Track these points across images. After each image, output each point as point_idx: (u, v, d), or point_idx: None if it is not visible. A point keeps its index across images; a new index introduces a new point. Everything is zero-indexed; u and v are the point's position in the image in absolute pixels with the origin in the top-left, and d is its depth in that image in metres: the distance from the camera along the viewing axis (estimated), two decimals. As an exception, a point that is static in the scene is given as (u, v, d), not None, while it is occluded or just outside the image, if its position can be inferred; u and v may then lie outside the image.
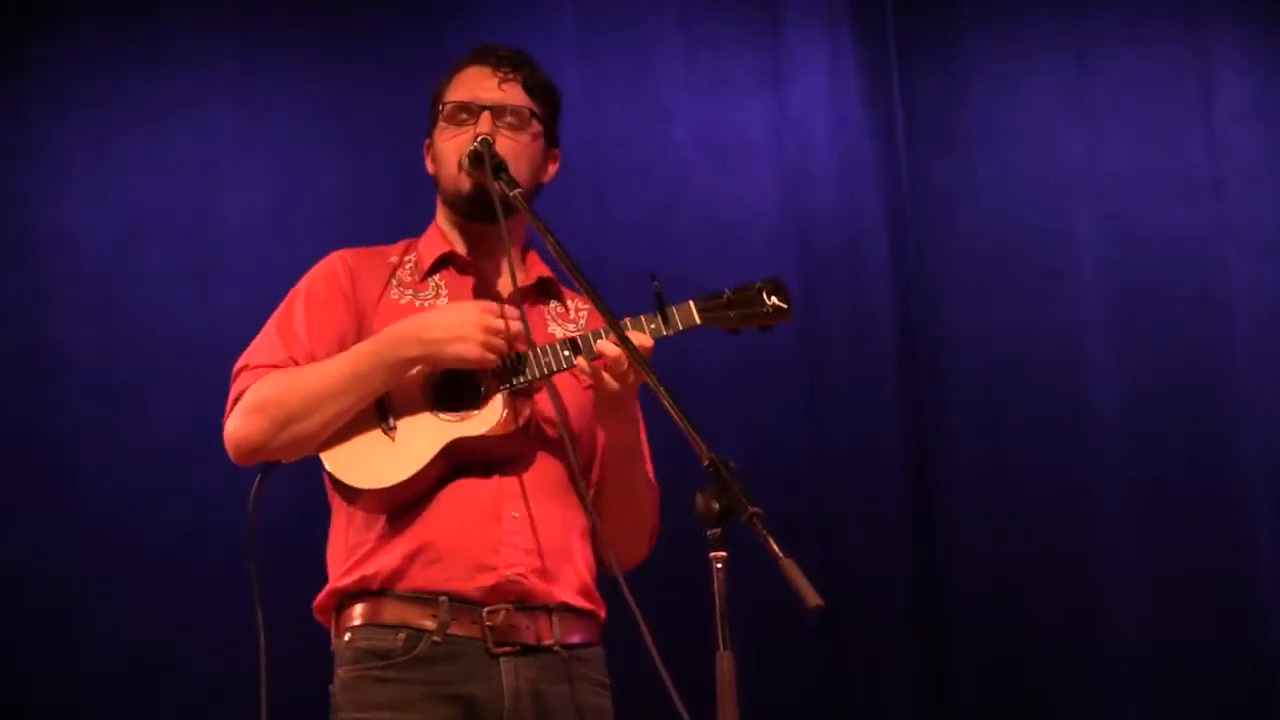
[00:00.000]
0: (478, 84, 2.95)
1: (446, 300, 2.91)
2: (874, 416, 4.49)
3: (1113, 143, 4.61)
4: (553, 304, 3.02)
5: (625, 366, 2.67)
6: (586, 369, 2.72)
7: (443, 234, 2.99)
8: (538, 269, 3.02)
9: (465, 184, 2.89)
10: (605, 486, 2.88)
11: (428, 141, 3.00)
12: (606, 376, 2.70)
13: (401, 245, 3.02)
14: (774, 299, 2.83)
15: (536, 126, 2.95)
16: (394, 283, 2.93)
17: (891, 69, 4.69)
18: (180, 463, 4.09)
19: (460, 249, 2.98)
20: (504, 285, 2.96)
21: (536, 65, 2.99)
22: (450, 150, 2.92)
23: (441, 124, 2.96)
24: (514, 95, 2.94)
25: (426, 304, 2.90)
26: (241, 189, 4.36)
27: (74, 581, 4.11)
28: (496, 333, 2.72)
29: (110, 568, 4.12)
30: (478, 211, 2.88)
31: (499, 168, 2.81)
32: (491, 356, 2.73)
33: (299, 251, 3.08)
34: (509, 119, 2.91)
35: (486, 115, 2.89)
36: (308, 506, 2.95)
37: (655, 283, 2.70)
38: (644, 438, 2.92)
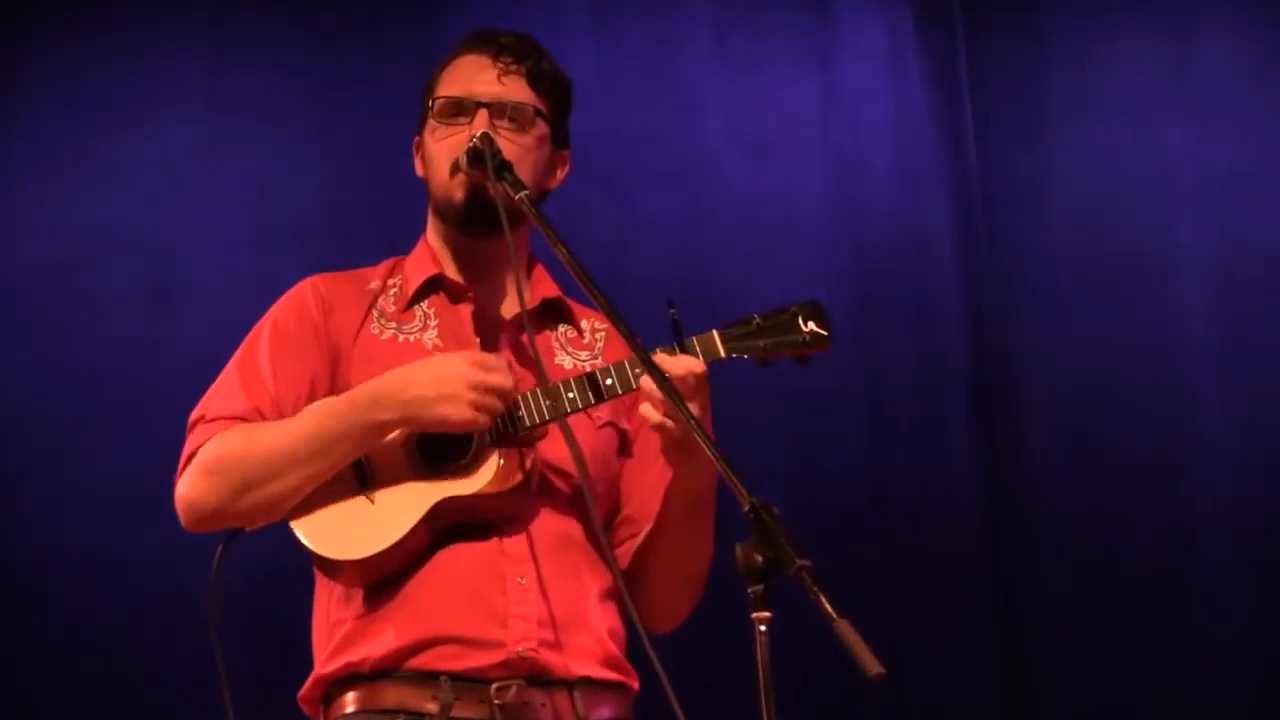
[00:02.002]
0: (474, 76, 2.94)
1: (436, 333, 2.90)
2: (942, 448, 4.49)
3: (1219, 133, 4.60)
4: (562, 328, 3.01)
5: (675, 411, 2.63)
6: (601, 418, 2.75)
7: (431, 252, 2.98)
8: (544, 287, 3.00)
9: (458, 191, 2.87)
10: (660, 540, 2.86)
11: (417, 140, 2.99)
12: (664, 419, 2.66)
13: (385, 266, 3.01)
14: (812, 325, 2.84)
15: (542, 127, 2.95)
16: (374, 313, 2.92)
17: (958, 46, 4.69)
18: (137, 515, 4.02)
19: (452, 270, 2.97)
20: (507, 310, 2.94)
21: (544, 53, 2.99)
22: (441, 152, 2.91)
23: (432, 122, 2.95)
24: (516, 90, 2.94)
25: (412, 338, 2.89)
26: (208, 199, 4.37)
27: (17, 646, 4.12)
28: (491, 391, 2.69)
29: (61, 633, 4.13)
30: (475, 222, 2.88)
31: (503, 168, 2.80)
32: (483, 419, 2.69)
33: (275, 270, 3.10)
34: (510, 118, 2.90)
35: (483, 114, 2.89)
36: (287, 567, 2.92)
37: (672, 310, 2.68)
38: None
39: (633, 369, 2.71)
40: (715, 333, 2.80)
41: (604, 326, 2.99)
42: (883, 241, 4.61)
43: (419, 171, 2.98)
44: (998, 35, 4.71)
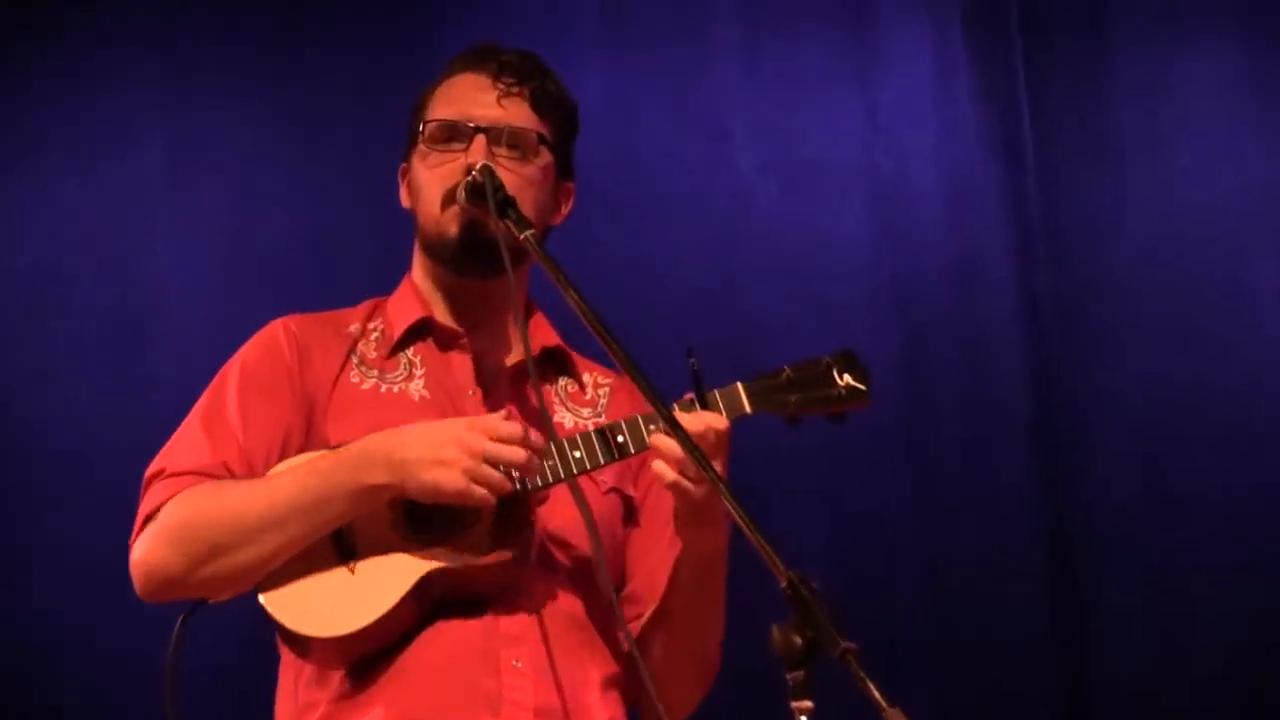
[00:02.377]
0: (471, 97, 2.92)
1: (423, 383, 2.88)
2: (1002, 504, 4.49)
3: (1308, 160, 4.63)
4: (563, 381, 2.99)
5: (693, 468, 2.60)
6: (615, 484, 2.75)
7: (418, 293, 2.95)
8: (544, 335, 2.98)
9: (451, 226, 2.84)
10: (668, 618, 2.84)
11: (404, 167, 2.97)
12: (680, 479, 2.63)
13: (365, 308, 2.98)
14: (848, 378, 2.81)
15: (546, 155, 2.93)
16: (354, 360, 2.89)
17: (1015, 61, 4.67)
18: (91, 586, 4.03)
19: (442, 312, 2.94)
20: (504, 358, 2.92)
21: (549, 73, 2.96)
22: (432, 181, 2.88)
23: (422, 147, 2.93)
24: (518, 114, 2.91)
25: (396, 388, 2.85)
26: (175, 231, 4.38)
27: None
28: (493, 462, 2.64)
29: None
30: (470, 260, 2.84)
31: (506, 203, 2.76)
32: (480, 492, 2.64)
33: (247, 309, 3.08)
34: (510, 145, 2.88)
35: (481, 140, 2.86)
36: (256, 644, 2.89)
37: (692, 360, 2.66)
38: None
39: (646, 425, 2.70)
40: (740, 386, 2.78)
41: (608, 381, 2.99)
42: (932, 281, 4.59)
43: (405, 202, 2.95)
44: (1059, 49, 4.68)
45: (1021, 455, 4.53)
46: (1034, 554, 4.50)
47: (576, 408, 2.96)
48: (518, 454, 2.63)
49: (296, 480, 2.70)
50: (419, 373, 2.90)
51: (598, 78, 4.45)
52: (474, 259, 2.84)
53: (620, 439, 2.72)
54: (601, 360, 2.93)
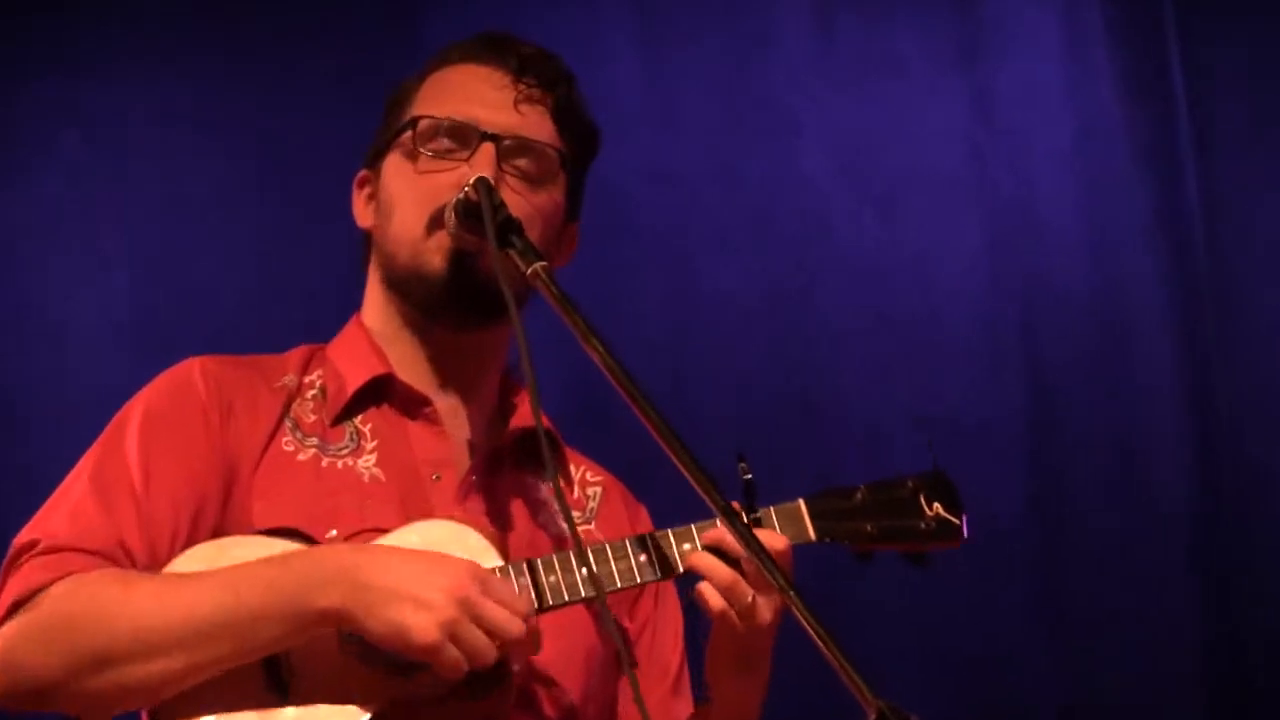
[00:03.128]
0: (480, 94, 2.86)
1: (375, 458, 2.81)
2: (1156, 621, 4.36)
3: None
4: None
5: (749, 594, 2.59)
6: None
7: (371, 341, 2.90)
8: (521, 410, 2.92)
9: (435, 257, 2.78)
10: None
11: (365, 174, 2.94)
12: (727, 608, 2.61)
13: (298, 357, 2.91)
14: (938, 507, 2.77)
15: (562, 183, 2.90)
16: (288, 423, 2.82)
17: (1169, 40, 4.54)
18: None
19: (405, 369, 2.87)
20: (482, 435, 2.89)
21: (574, 80, 2.92)
22: (415, 197, 2.83)
23: (401, 152, 2.88)
24: (538, 125, 2.86)
25: (341, 463, 2.79)
26: (86, 275, 4.25)
27: None
28: (483, 626, 2.57)
29: None
30: (457, 306, 2.80)
31: (509, 227, 2.67)
32: (454, 656, 2.55)
33: (165, 358, 2.94)
34: (524, 161, 2.83)
35: (488, 150, 2.80)
36: None
37: (742, 464, 2.64)
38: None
39: (678, 542, 2.68)
40: (803, 504, 2.75)
41: (598, 480, 2.99)
42: (1064, 320, 4.45)
43: (362, 220, 2.93)
44: (1223, 28, 4.54)
45: (1179, 559, 4.41)
46: (1195, 688, 4.40)
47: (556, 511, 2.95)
48: (514, 627, 2.57)
49: (226, 586, 2.60)
50: (370, 445, 2.83)
51: (631, 72, 4.38)
52: (463, 304, 2.78)
53: (645, 557, 2.67)
54: (593, 451, 2.97)
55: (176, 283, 4.27)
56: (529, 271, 2.63)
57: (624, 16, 4.46)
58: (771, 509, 2.73)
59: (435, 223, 2.79)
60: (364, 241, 2.93)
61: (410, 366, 2.88)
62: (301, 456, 2.81)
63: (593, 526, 2.94)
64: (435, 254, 2.79)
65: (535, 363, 2.81)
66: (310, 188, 4.08)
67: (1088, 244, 4.47)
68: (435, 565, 2.60)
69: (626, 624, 2.95)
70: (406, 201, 2.85)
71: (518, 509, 2.85)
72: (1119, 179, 4.48)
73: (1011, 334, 4.45)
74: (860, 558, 2.77)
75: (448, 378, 2.88)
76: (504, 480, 2.86)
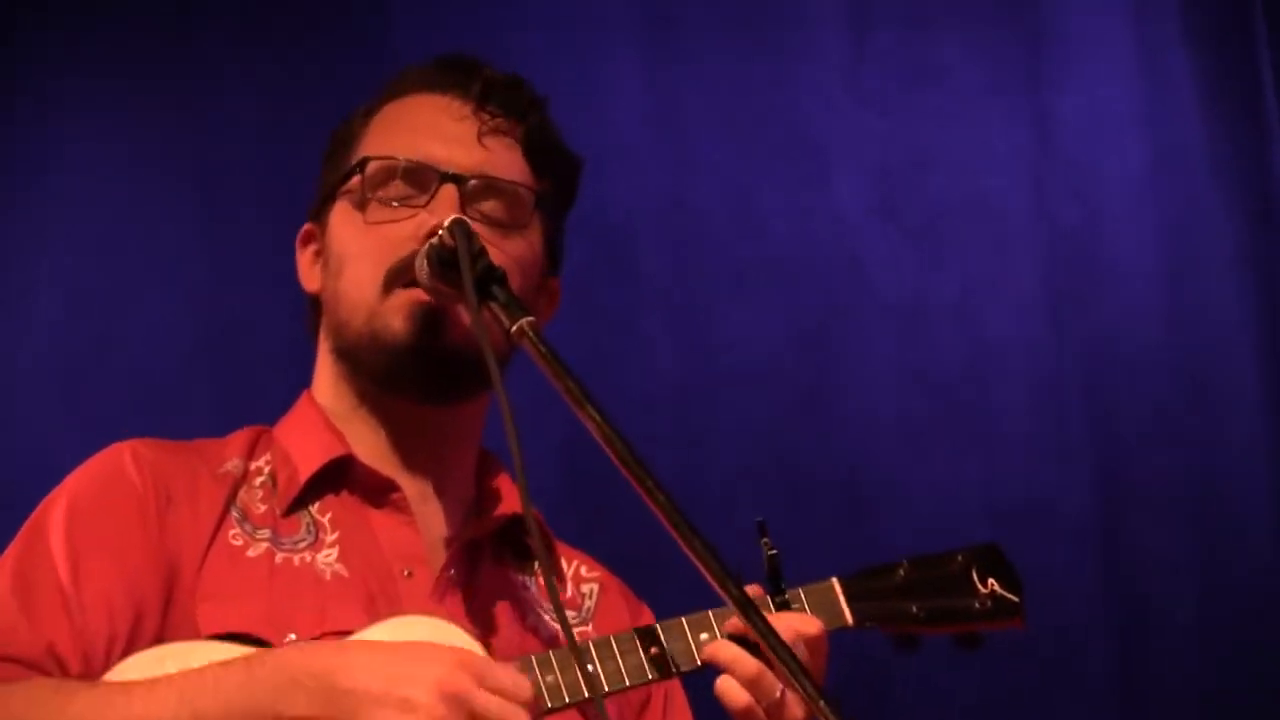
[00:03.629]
0: (438, 127, 2.85)
1: (336, 553, 2.77)
2: (1246, 708, 4.27)
3: None
4: (535, 567, 2.92)
5: (777, 688, 2.55)
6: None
7: (325, 420, 2.86)
8: (505, 496, 2.90)
9: (396, 319, 2.74)
10: None
11: (310, 228, 2.90)
12: (753, 705, 2.57)
13: (243, 440, 2.88)
14: (993, 584, 2.74)
15: (537, 230, 2.86)
16: (234, 513, 2.77)
17: (1260, 56, 4.44)
18: None
19: (366, 449, 2.83)
20: (455, 524, 2.84)
21: (546, 107, 2.89)
22: (369, 251, 2.78)
23: (349, 200, 2.84)
24: (506, 161, 2.83)
25: (297, 558, 2.75)
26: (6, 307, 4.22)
27: None
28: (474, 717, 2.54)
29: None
30: (425, 377, 2.76)
31: (490, 276, 2.61)
32: None
33: (98, 437, 2.90)
34: (493, 204, 2.80)
35: (450, 193, 2.76)
36: None
37: (764, 539, 2.62)
38: None
39: (695, 632, 2.64)
40: (837, 584, 2.73)
41: (594, 576, 2.97)
42: (1132, 376, 4.36)
43: (309, 284, 2.89)
44: None
45: (1273, 644, 4.27)
46: None
47: (546, 609, 2.91)
48: (511, 712, 2.52)
49: (180, 696, 2.54)
50: (329, 537, 2.79)
51: (637, 95, 4.31)
52: (429, 373, 2.74)
53: (655, 650, 2.63)
54: (583, 523, 2.98)
55: (106, 328, 4.20)
56: (513, 329, 2.55)
57: (629, 32, 4.43)
58: (801, 590, 2.69)
59: (394, 279, 2.73)
60: (311, 307, 2.87)
61: (372, 447, 2.84)
62: (252, 551, 2.76)
63: (590, 628, 2.91)
64: (394, 315, 2.73)
65: (548, 419, 2.82)
66: (259, 229, 4.07)
67: (1163, 286, 4.45)
68: (420, 658, 2.55)
69: None
70: (358, 258, 2.79)
71: (503, 610, 2.80)
72: (1200, 211, 4.45)
73: (1075, 391, 4.39)
74: (903, 644, 2.74)
75: (415, 459, 2.84)
76: (484, 576, 2.81)
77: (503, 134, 2.84)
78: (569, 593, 2.96)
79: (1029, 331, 4.37)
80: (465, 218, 2.70)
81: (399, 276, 2.74)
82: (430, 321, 2.73)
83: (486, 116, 2.84)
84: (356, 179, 2.82)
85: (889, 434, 4.29)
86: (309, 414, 2.88)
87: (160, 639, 2.68)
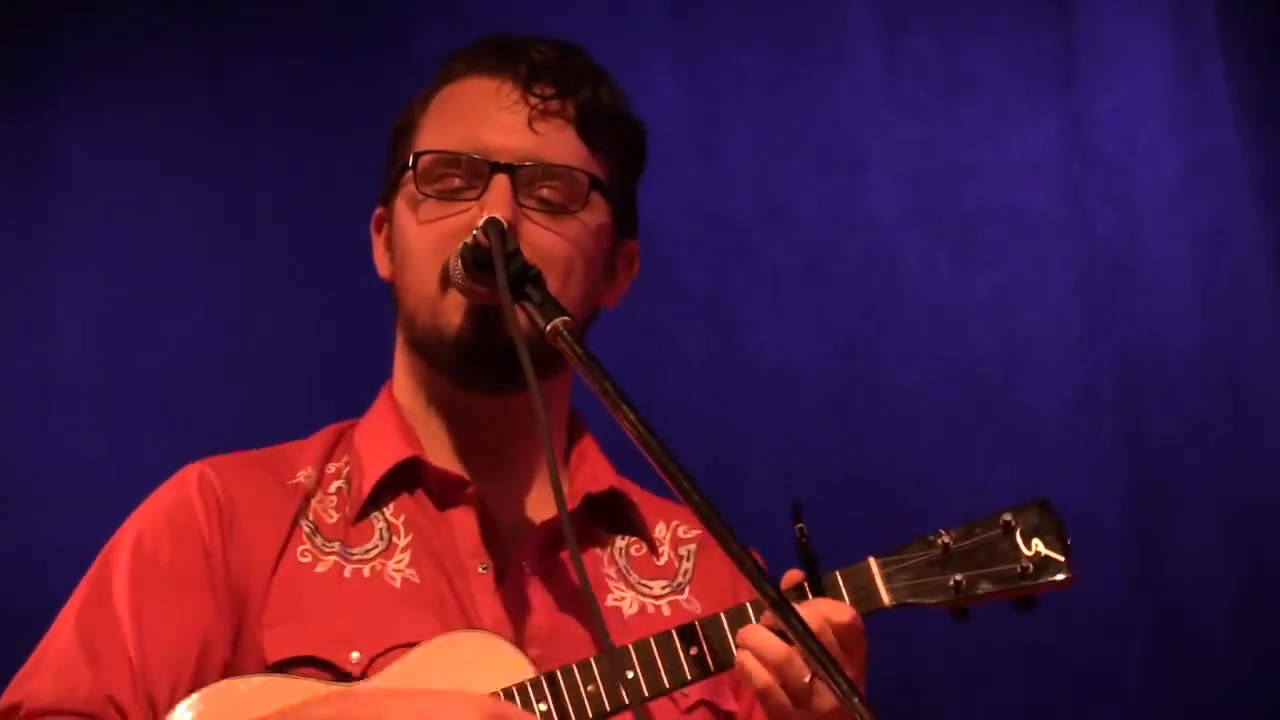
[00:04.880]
0: (487, 115, 2.86)
1: (408, 559, 2.82)
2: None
3: None
4: (623, 541, 2.94)
5: (805, 674, 2.57)
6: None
7: (400, 416, 2.90)
8: (591, 471, 2.92)
9: (454, 316, 2.79)
10: None
11: (381, 213, 2.94)
12: (774, 686, 2.61)
13: (322, 443, 2.93)
14: (1038, 544, 2.75)
15: (599, 206, 2.88)
16: (304, 527, 2.83)
17: None
18: None
19: (438, 448, 2.87)
20: (536, 512, 2.87)
21: (604, 78, 2.92)
22: (425, 246, 2.83)
23: (405, 194, 2.88)
24: (559, 144, 2.86)
25: (367, 569, 2.81)
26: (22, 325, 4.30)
27: None
28: None
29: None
30: (479, 370, 2.81)
31: (523, 277, 2.69)
32: None
33: (141, 449, 3.35)
34: (548, 190, 2.83)
35: (502, 184, 2.79)
36: None
37: (799, 524, 2.64)
38: None
39: (733, 626, 2.68)
40: (873, 563, 2.74)
41: (692, 536, 2.96)
42: (1168, 383, 4.40)
43: (383, 272, 2.93)
44: None
45: None
46: None
47: (644, 581, 2.92)
48: None
49: None
50: (402, 541, 2.83)
51: (669, 97, 4.39)
52: (487, 366, 2.77)
53: (694, 651, 2.67)
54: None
55: (135, 332, 4.29)
56: (547, 329, 2.63)
57: (660, 33, 4.48)
58: (837, 573, 2.70)
59: (450, 275, 2.78)
60: (390, 293, 2.90)
61: (443, 443, 2.87)
62: (320, 567, 2.81)
63: (685, 596, 2.91)
64: (454, 312, 2.78)
65: (591, 415, 2.91)
66: (282, 229, 4.20)
67: (1199, 290, 4.45)
68: (445, 707, 2.59)
69: (732, 706, 2.91)
70: (417, 253, 2.83)
71: (578, 595, 2.78)
72: (1235, 215, 4.44)
73: (1110, 397, 4.41)
74: (956, 614, 2.74)
75: (488, 451, 2.87)
76: (565, 562, 2.83)
77: (554, 115, 2.85)
78: (664, 558, 2.94)
79: (1064, 335, 4.41)
80: (499, 217, 2.74)
81: (448, 277, 2.80)
82: (483, 318, 2.77)
83: (536, 99, 2.84)
84: (409, 174, 2.86)
85: (923, 438, 4.34)
86: (384, 412, 2.92)
87: (230, 668, 2.74)
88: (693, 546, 2.95)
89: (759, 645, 2.59)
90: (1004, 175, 4.45)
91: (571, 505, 2.82)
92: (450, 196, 2.81)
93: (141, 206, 4.37)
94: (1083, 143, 4.47)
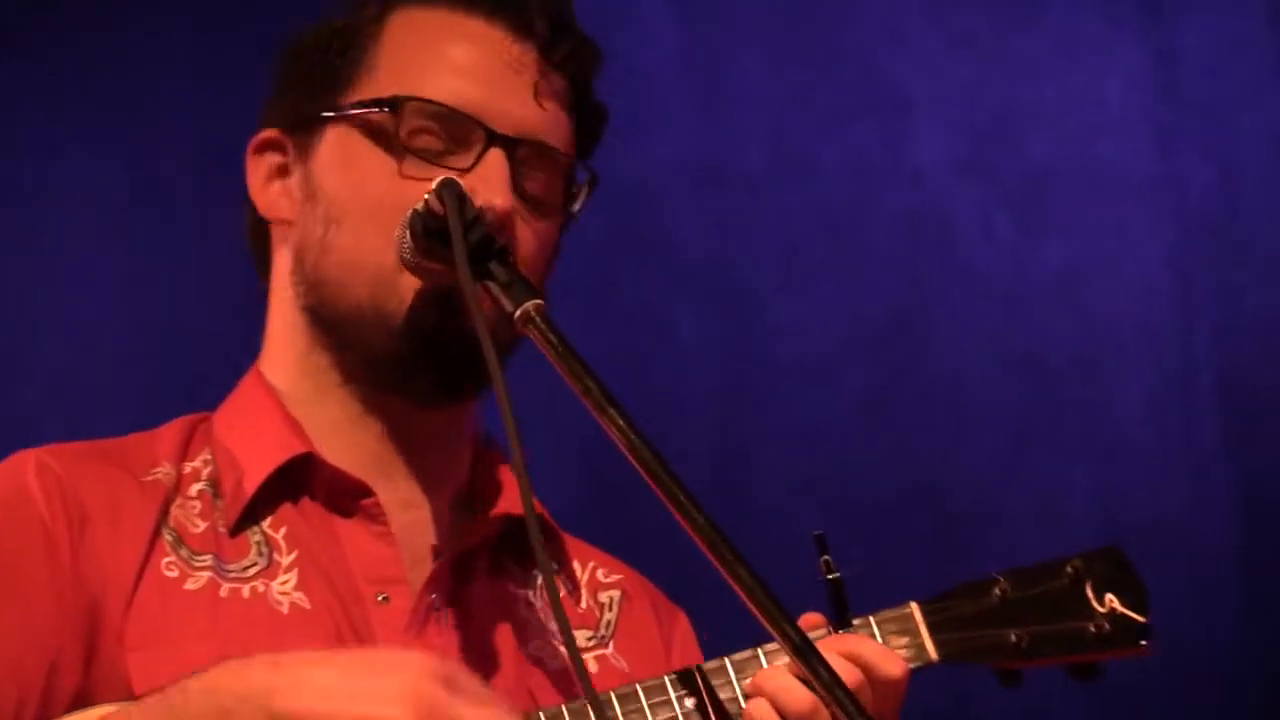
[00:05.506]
0: (493, 73, 2.76)
1: (294, 579, 2.70)
2: None
3: None
4: (540, 579, 2.88)
5: None
6: None
7: (278, 407, 2.78)
8: (505, 493, 2.79)
9: (406, 294, 2.67)
10: None
11: (274, 136, 2.75)
12: None
13: (175, 432, 2.78)
14: (1111, 600, 2.68)
15: (563, 193, 2.83)
16: (167, 535, 2.68)
17: None
18: None
19: (335, 447, 2.75)
20: (441, 534, 2.75)
21: (599, 53, 2.84)
22: (392, 207, 2.67)
23: (367, 134, 2.73)
24: (556, 123, 2.77)
25: (247, 588, 2.69)
26: None
27: None
28: None
29: None
30: (436, 375, 2.68)
31: (489, 251, 2.57)
32: None
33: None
34: (539, 175, 2.75)
35: (499, 161, 2.69)
36: None
37: (824, 557, 2.55)
38: None
39: (738, 675, 2.60)
40: (916, 609, 2.63)
41: (615, 580, 2.87)
42: (1272, 360, 4.36)
43: (271, 208, 2.75)
44: None
45: None
46: None
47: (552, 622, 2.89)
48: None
49: None
50: (286, 559, 2.70)
51: (668, 36, 4.29)
52: (445, 370, 2.65)
53: (692, 700, 2.61)
54: (609, 543, 2.91)
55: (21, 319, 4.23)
56: (517, 313, 2.47)
57: None
58: (872, 618, 2.59)
59: (412, 249, 2.67)
60: (258, 240, 2.72)
61: (341, 441, 2.72)
62: (191, 584, 2.65)
63: (610, 650, 2.81)
64: (406, 292, 2.63)
65: (525, 435, 2.61)
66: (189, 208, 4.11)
67: None
68: (379, 669, 2.45)
69: None
70: (374, 212, 2.67)
71: (501, 638, 2.70)
72: None
73: (1208, 391, 4.41)
74: (1007, 677, 2.65)
75: (398, 458, 2.73)
76: (477, 595, 2.70)
77: (557, 91, 2.75)
78: (583, 604, 2.85)
79: (1151, 315, 4.37)
80: (456, 178, 2.58)
81: (413, 246, 2.66)
82: (448, 307, 2.62)
83: (550, 70, 2.74)
84: (387, 116, 2.69)
85: (980, 436, 4.28)
86: (258, 398, 2.76)
87: (84, 699, 2.60)
88: (615, 594, 2.85)
89: (778, 692, 2.48)
90: (1076, 121, 4.41)
91: (484, 533, 2.70)
92: (431, 159, 2.66)
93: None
94: (1171, 82, 4.47)
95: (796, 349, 4.29)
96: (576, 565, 2.86)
